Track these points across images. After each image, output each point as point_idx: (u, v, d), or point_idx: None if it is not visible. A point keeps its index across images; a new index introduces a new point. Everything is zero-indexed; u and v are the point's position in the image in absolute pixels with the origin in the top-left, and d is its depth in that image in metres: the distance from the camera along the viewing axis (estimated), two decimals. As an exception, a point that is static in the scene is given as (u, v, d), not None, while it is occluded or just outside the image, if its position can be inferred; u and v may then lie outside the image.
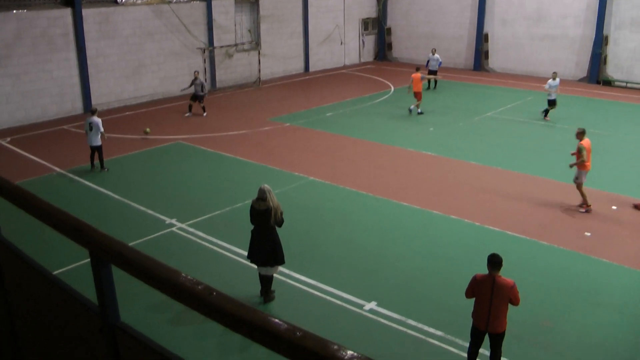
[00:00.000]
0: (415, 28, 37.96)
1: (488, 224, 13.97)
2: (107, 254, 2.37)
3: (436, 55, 29.53)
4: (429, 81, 29.00)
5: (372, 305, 10.49)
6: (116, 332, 2.49)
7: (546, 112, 23.88)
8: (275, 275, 10.69)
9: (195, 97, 24.52)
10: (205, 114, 24.59)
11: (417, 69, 25.37)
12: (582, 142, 14.71)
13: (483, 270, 8.28)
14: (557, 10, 32.36)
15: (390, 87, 30.37)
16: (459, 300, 9.17)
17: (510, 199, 15.57)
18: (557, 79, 23.65)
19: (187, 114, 24.65)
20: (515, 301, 8.06)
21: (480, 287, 8.14)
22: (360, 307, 10.45)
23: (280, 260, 10.37)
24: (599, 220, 14.37)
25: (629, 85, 30.42)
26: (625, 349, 9.50)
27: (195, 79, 24.54)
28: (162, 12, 27.09)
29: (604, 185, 16.55)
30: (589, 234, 13.61)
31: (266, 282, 10.50)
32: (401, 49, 39.04)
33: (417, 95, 24.38)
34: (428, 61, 29.83)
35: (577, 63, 32.21)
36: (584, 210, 14.78)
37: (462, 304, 8.89)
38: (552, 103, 23.75)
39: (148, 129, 17.34)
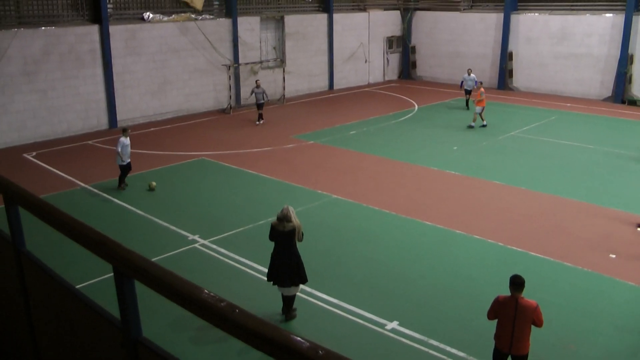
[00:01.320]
0: (439, 46, 37.96)
1: (511, 244, 13.82)
2: (130, 269, 2.38)
3: (472, 75, 29.34)
4: (466, 101, 29.36)
5: (394, 324, 10.40)
6: (138, 347, 2.49)
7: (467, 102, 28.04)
8: (297, 293, 10.66)
9: (257, 106, 26.14)
10: (262, 122, 26.26)
11: (481, 83, 26.93)
12: None
13: (505, 290, 8.17)
14: (581, 29, 32.16)
15: (415, 106, 30.34)
16: (482, 321, 9.05)
17: (533, 219, 15.40)
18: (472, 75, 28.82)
19: (258, 122, 26.32)
20: (538, 323, 7.95)
21: (503, 309, 8.03)
22: (382, 326, 10.37)
23: (303, 280, 10.35)
24: (624, 242, 14.14)
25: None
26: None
27: (257, 87, 26.09)
28: (187, 29, 27.43)
29: (628, 206, 16.31)
30: (613, 255, 13.38)
31: (288, 300, 10.48)
32: (425, 67, 39.05)
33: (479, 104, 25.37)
34: (462, 82, 29.74)
35: (601, 82, 31.91)
36: None
37: (485, 324, 8.77)
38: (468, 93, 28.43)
39: (154, 183, 17.41)
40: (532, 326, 7.99)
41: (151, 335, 2.58)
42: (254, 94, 26.21)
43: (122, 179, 17.46)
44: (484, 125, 25.47)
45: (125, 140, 17.10)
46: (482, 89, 25.69)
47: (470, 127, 25.46)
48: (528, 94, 33.32)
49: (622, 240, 14.17)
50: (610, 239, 14.27)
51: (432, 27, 38.22)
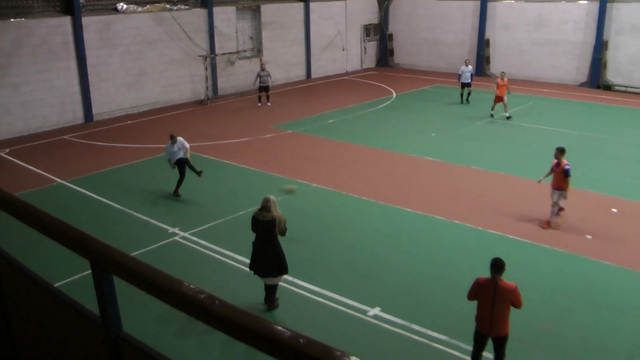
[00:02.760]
0: (417, 34, 38.02)
1: (490, 229, 13.96)
2: (108, 264, 2.36)
3: (470, 67, 27.74)
4: (461, 95, 27.96)
5: (376, 310, 10.47)
6: (119, 343, 2.48)
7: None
8: (279, 283, 10.67)
9: (263, 89, 27.25)
10: (269, 104, 27.51)
11: (503, 73, 25.38)
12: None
13: (486, 274, 8.26)
14: (557, 16, 32.46)
15: (393, 93, 30.39)
16: (463, 305, 9.15)
17: (512, 204, 15.55)
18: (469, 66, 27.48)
19: (259, 104, 27.45)
20: (517, 304, 8.07)
21: (482, 291, 8.14)
22: (365, 313, 10.43)
23: (284, 270, 10.35)
24: (600, 223, 14.34)
25: (628, 89, 30.43)
26: (627, 351, 9.47)
27: (263, 70, 27.27)
28: (163, 20, 27.17)
29: (605, 189, 16.56)
30: (589, 236, 13.60)
31: (270, 290, 10.50)
32: (403, 55, 39.10)
33: (498, 99, 24.45)
34: (460, 74, 27.78)
35: (577, 68, 32.28)
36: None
37: (466, 308, 8.87)
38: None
39: (293, 187, 15.27)
40: (512, 308, 8.11)
41: (134, 330, 2.57)
42: (259, 77, 27.28)
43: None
44: (509, 117, 24.72)
45: (171, 148, 15.96)
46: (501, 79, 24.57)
47: (508, 117, 24.64)
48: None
49: (598, 222, 14.37)
50: (587, 221, 14.47)
51: (409, 14, 38.24)
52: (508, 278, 8.19)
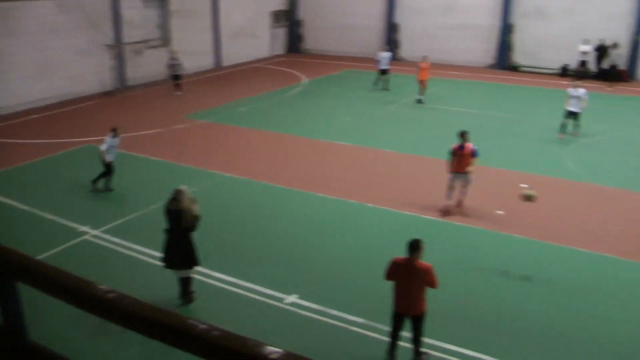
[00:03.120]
0: (326, 19, 38.17)
1: (406, 210, 14.23)
2: (9, 269, 2.26)
3: (389, 53, 27.53)
4: (378, 80, 27.63)
5: (293, 298, 10.48)
6: (25, 351, 2.38)
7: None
8: (194, 275, 10.51)
9: (174, 77, 27.13)
10: (180, 93, 27.16)
11: (425, 57, 25.39)
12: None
13: (403, 255, 8.41)
14: (466, 1, 33.55)
15: (304, 79, 30.44)
16: (380, 287, 9.26)
17: (426, 184, 15.93)
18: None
19: (179, 93, 27.21)
20: (433, 284, 8.21)
21: (399, 271, 8.27)
22: (281, 300, 10.42)
23: (195, 262, 10.14)
24: (510, 198, 14.92)
25: (535, 70, 31.85)
26: (538, 317, 9.91)
27: (173, 59, 27.08)
28: (67, 8, 26.01)
29: (514, 166, 17.30)
30: (501, 212, 14.11)
31: (184, 283, 10.30)
32: (313, 40, 39.20)
33: (422, 82, 24.74)
34: (379, 60, 27.47)
35: (486, 51, 33.56)
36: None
37: (384, 291, 9.00)
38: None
39: (532, 192, 13.05)
40: (428, 287, 8.30)
41: (43, 338, 2.48)
42: (171, 67, 27.21)
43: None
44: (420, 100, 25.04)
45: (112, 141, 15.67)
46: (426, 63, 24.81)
47: (420, 101, 25.07)
48: (414, 64, 34.00)
49: (508, 197, 14.95)
50: (498, 196, 15.01)
51: (318, 0, 38.35)
52: (425, 258, 8.36)
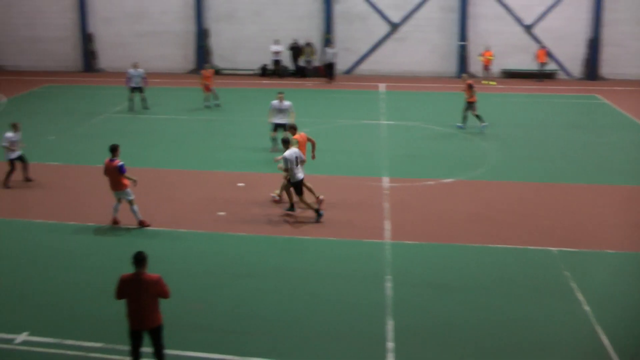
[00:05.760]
0: (15, 31, 35.05)
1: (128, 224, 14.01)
2: None
3: (140, 70, 24.93)
4: (131, 100, 25.20)
5: (24, 336, 9.75)
6: None
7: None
8: None
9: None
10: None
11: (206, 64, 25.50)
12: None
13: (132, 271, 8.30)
14: (156, 7, 33.67)
15: (1, 98, 27.93)
16: (114, 308, 9.07)
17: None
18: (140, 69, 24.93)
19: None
20: (164, 294, 8.26)
21: (128, 287, 8.16)
22: (11, 342, 9.64)
23: None
24: (228, 199, 15.55)
25: (235, 72, 33.36)
26: (271, 310, 10.56)
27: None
28: None
29: (229, 167, 18.11)
30: (222, 213, 14.66)
31: None
32: (6, 54, 35.68)
33: (207, 89, 24.97)
34: (129, 78, 24.97)
35: (184, 56, 34.18)
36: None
37: (119, 311, 8.76)
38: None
39: None
40: (160, 299, 8.33)
41: None
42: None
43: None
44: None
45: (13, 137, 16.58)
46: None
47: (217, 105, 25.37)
48: (115, 74, 32.85)
49: (226, 199, 15.53)
50: (216, 200, 15.52)
51: (2, 11, 35.10)
52: (153, 269, 8.35)
